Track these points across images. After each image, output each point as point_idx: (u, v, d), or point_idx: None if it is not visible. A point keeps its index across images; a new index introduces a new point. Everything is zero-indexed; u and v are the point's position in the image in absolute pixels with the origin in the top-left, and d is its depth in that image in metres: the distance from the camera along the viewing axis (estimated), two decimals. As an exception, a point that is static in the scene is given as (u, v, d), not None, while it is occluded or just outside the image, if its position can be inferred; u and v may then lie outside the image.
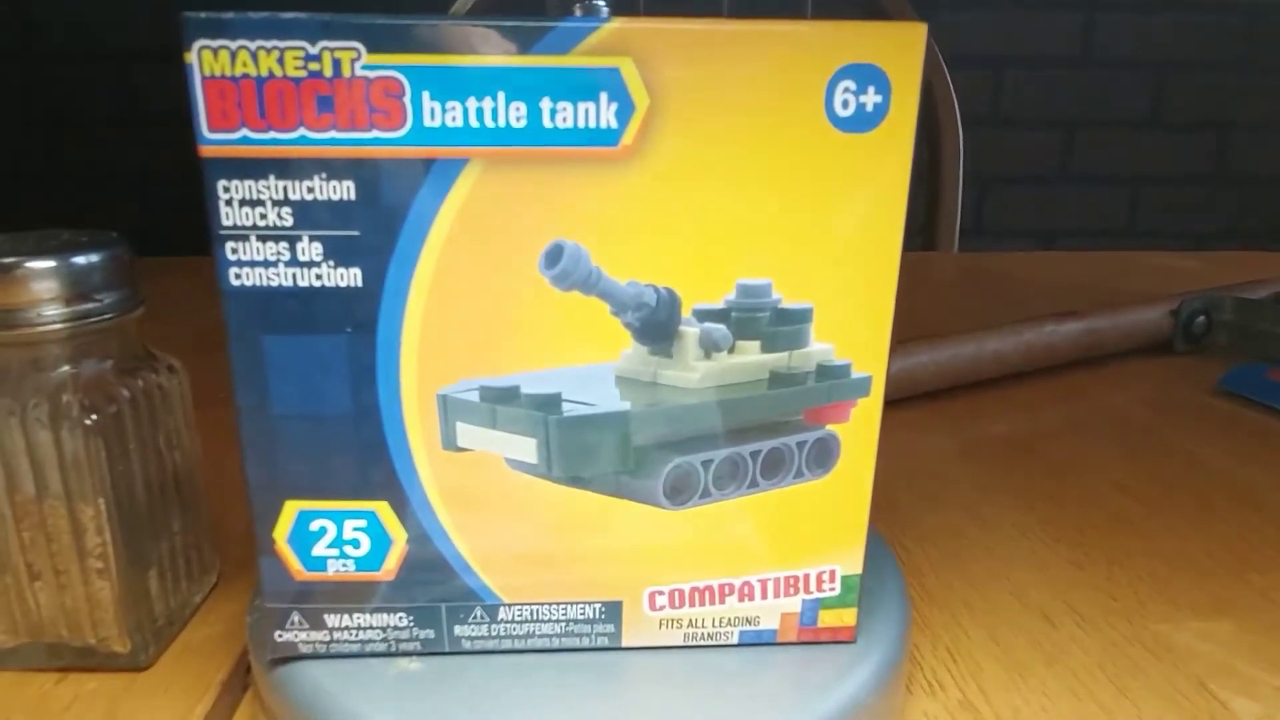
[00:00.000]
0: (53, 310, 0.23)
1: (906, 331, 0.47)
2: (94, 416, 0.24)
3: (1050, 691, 0.26)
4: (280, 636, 0.21)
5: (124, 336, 0.25)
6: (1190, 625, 0.29)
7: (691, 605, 0.21)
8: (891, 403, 0.47)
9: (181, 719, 0.24)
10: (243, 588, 0.29)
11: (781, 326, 0.18)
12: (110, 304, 0.24)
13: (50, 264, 0.23)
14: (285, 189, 0.17)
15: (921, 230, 1.04)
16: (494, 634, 0.21)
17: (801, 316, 0.18)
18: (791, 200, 0.18)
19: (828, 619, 0.21)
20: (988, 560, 0.33)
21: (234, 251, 0.17)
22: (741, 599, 0.21)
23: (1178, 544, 0.34)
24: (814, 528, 0.20)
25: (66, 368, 0.24)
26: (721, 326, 0.18)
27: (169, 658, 0.26)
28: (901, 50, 0.17)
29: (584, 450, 0.19)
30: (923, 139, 0.98)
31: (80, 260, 0.24)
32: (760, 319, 0.18)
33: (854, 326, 0.19)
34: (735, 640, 0.21)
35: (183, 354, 0.28)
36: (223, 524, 0.30)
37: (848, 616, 0.21)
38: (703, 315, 0.18)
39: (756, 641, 0.21)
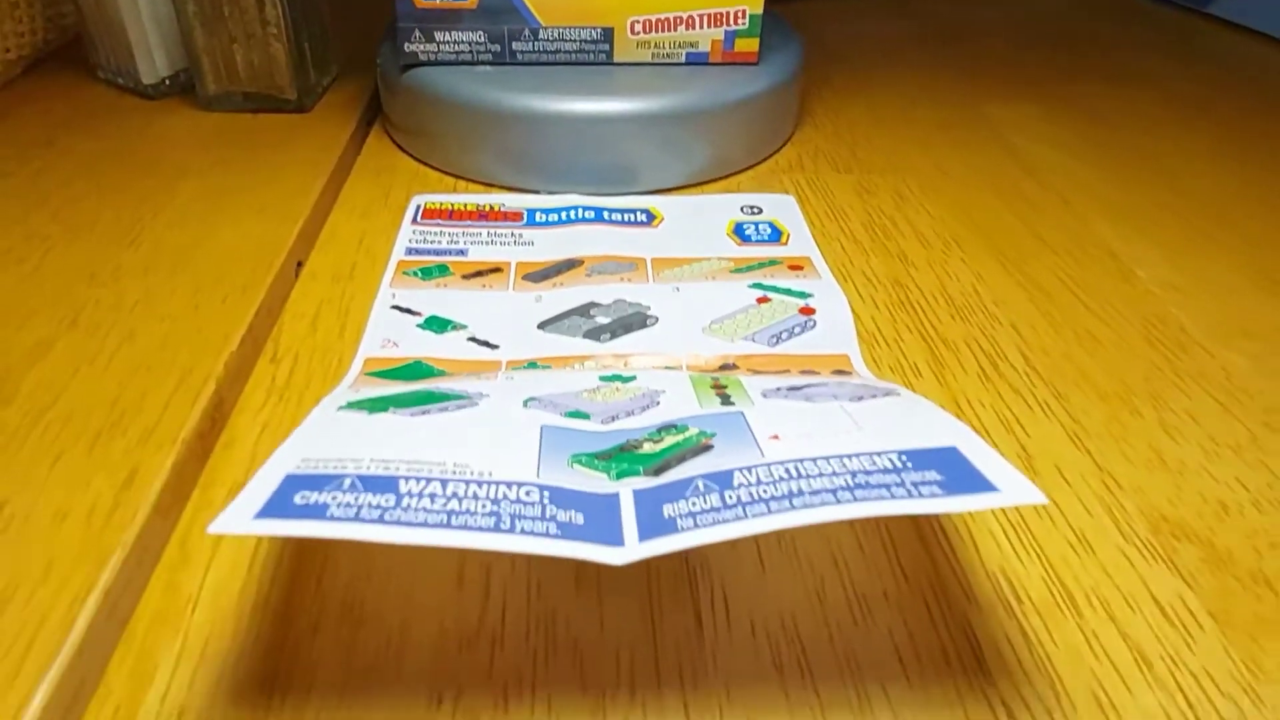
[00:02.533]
0: None
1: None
2: (266, -82, 0.35)
3: (895, 132, 0.39)
4: (408, 47, 0.34)
5: None
6: (1009, 106, 0.41)
7: (658, 32, 0.34)
8: (850, -9, 0.57)
9: (335, 136, 0.38)
10: (351, 81, 0.43)
11: None
12: None
13: None
14: None
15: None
16: (535, 49, 0.34)
17: None
18: None
19: (741, 45, 0.34)
20: (884, 76, 0.45)
21: None
22: (688, 28, 0.33)
23: (1037, 74, 0.46)
24: (732, -23, 0.32)
25: (242, -115, 0.36)
26: None
27: (319, 108, 0.40)
28: None
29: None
30: None
31: None
32: None
33: None
34: (683, 60, 0.34)
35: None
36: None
37: (753, 44, 0.34)
38: None
39: (696, 61, 0.34)
